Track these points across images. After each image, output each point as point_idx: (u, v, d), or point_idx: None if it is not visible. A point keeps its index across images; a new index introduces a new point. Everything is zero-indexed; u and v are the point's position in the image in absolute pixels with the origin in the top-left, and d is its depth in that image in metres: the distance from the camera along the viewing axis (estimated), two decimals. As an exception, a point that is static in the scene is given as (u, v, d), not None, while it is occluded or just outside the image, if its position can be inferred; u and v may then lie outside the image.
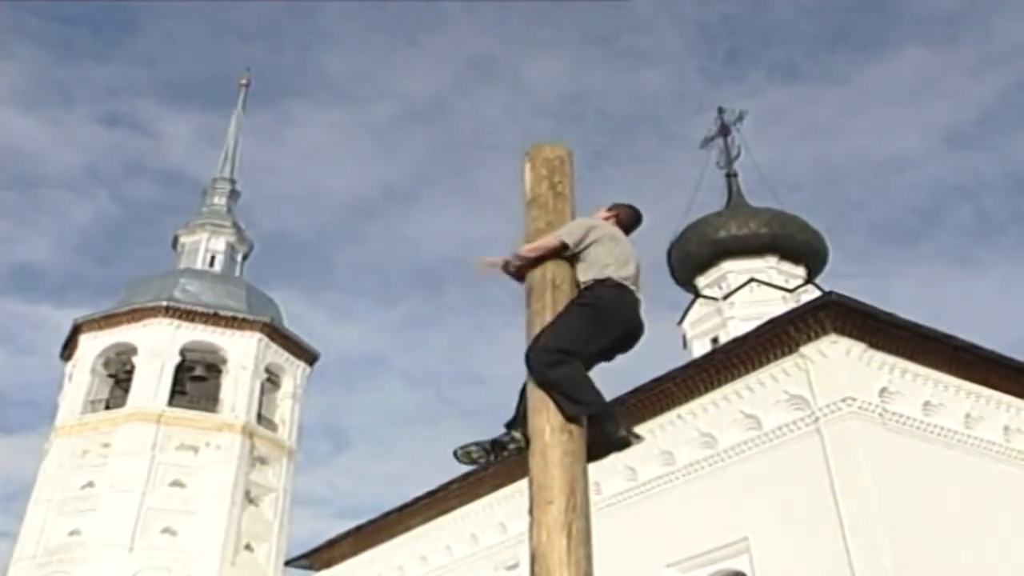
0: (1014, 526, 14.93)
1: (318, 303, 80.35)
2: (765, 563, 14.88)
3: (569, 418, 3.02)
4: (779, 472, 15.09)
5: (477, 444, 3.36)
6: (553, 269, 3.48)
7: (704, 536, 15.71)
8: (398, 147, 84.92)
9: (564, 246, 3.48)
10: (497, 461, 3.39)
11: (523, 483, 2.99)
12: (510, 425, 3.36)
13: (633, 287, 3.58)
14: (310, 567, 25.76)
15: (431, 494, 21.67)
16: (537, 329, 3.31)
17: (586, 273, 3.50)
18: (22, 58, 76.28)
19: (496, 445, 3.31)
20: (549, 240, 3.50)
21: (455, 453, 3.40)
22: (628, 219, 3.95)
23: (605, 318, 3.35)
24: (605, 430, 3.12)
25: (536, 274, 3.48)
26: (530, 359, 3.20)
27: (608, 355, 3.49)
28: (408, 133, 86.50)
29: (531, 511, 2.93)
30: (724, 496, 15.69)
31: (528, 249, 3.51)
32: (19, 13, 72.02)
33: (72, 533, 27.38)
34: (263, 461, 30.70)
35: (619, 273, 3.51)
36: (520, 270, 3.53)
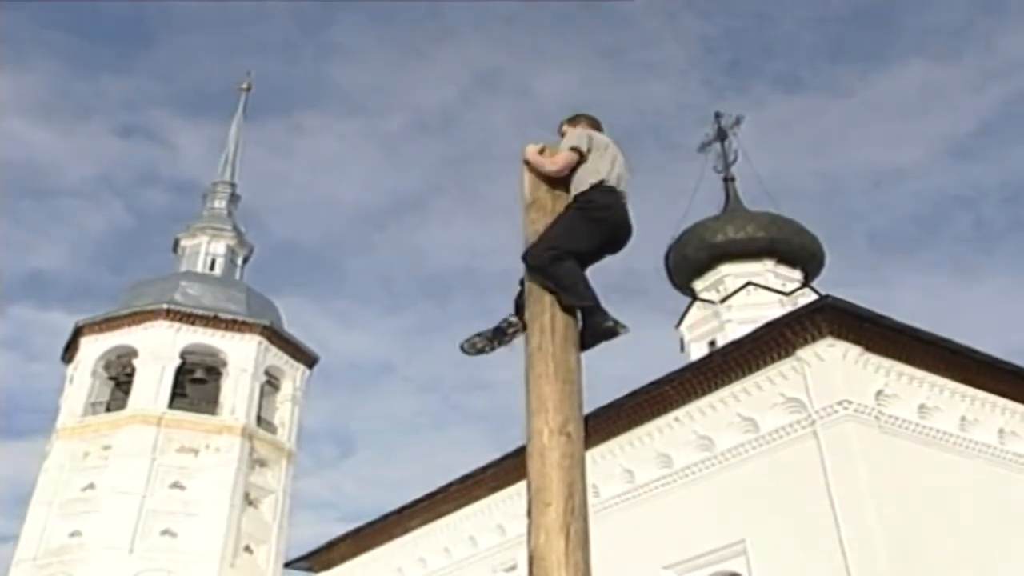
0: (1009, 527, 15.04)
1: (327, 310, 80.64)
2: (762, 565, 14.97)
3: (565, 308, 3.27)
4: (776, 474, 15.18)
5: (479, 334, 3.68)
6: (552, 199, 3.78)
7: (702, 538, 15.80)
8: (407, 158, 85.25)
9: (580, 154, 3.77)
10: (499, 347, 3.61)
11: (521, 485, 3.10)
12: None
13: (622, 190, 3.83)
14: (309, 569, 25.79)
15: (430, 496, 21.74)
16: (532, 236, 3.59)
17: (581, 182, 3.74)
18: (40, 70, 76.44)
19: (497, 332, 3.65)
20: (568, 155, 3.78)
21: (461, 347, 3.70)
22: (593, 126, 4.16)
23: (598, 218, 3.63)
24: (595, 321, 3.35)
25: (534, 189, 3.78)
26: (529, 257, 3.45)
27: (599, 255, 3.74)
28: (417, 144, 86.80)
29: (529, 513, 3.00)
30: (721, 498, 15.78)
31: (556, 168, 3.76)
32: (37, 25, 72.18)
33: (73, 535, 27.43)
34: (263, 463, 30.76)
35: (610, 177, 3.76)
36: (552, 184, 3.78)
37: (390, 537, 22.99)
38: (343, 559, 24.46)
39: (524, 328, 3.42)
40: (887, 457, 14.53)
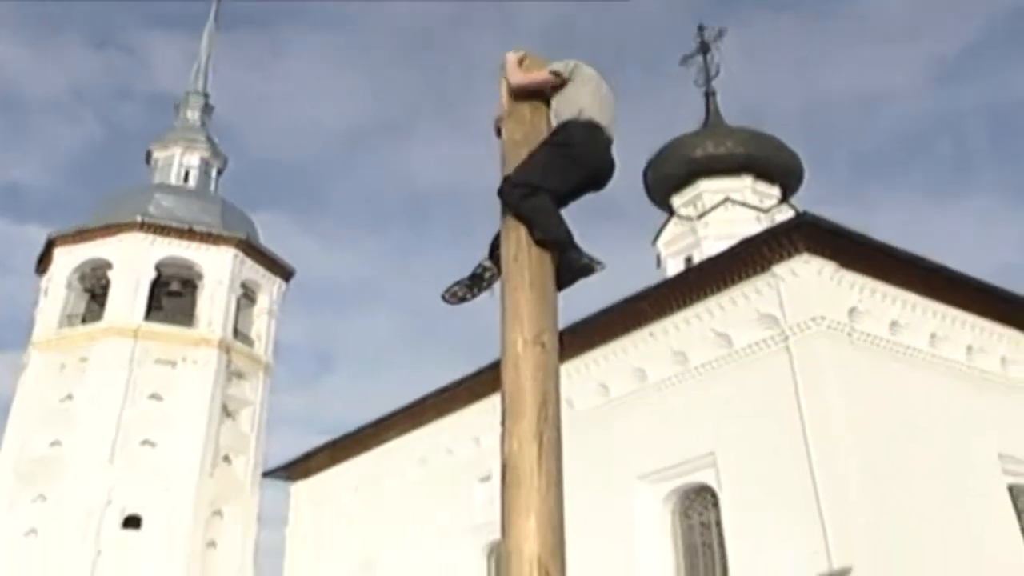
0: (975, 440, 15.44)
1: (306, 228, 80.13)
2: (731, 476, 15.33)
3: (539, 242, 3.20)
4: (748, 389, 15.44)
5: (458, 283, 3.59)
6: (531, 111, 3.61)
7: (673, 450, 16.13)
8: (390, 78, 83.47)
9: (559, 77, 3.61)
10: (480, 293, 3.55)
11: (497, 398, 3.10)
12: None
13: (606, 127, 3.66)
14: (287, 478, 26.22)
15: (406, 408, 21.99)
16: (510, 149, 3.48)
17: (561, 114, 3.59)
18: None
19: (475, 279, 3.53)
20: (543, 74, 3.62)
21: (443, 297, 3.61)
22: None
23: (576, 155, 3.47)
24: (569, 258, 3.28)
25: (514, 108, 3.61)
26: (503, 192, 3.35)
27: (579, 193, 3.61)
28: (400, 65, 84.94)
29: (503, 422, 3.01)
30: (693, 412, 16.06)
31: (520, 82, 3.61)
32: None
33: (53, 444, 27.63)
34: (240, 375, 30.91)
35: (593, 114, 3.59)
36: (515, 97, 3.63)
37: (367, 448, 23.32)
38: (320, 469, 24.84)
39: (499, 272, 3.31)
40: (858, 372, 14.79)
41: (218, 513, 28.72)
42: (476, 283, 3.54)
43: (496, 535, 2.73)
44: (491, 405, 19.05)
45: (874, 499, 13.78)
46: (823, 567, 13.56)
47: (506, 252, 3.30)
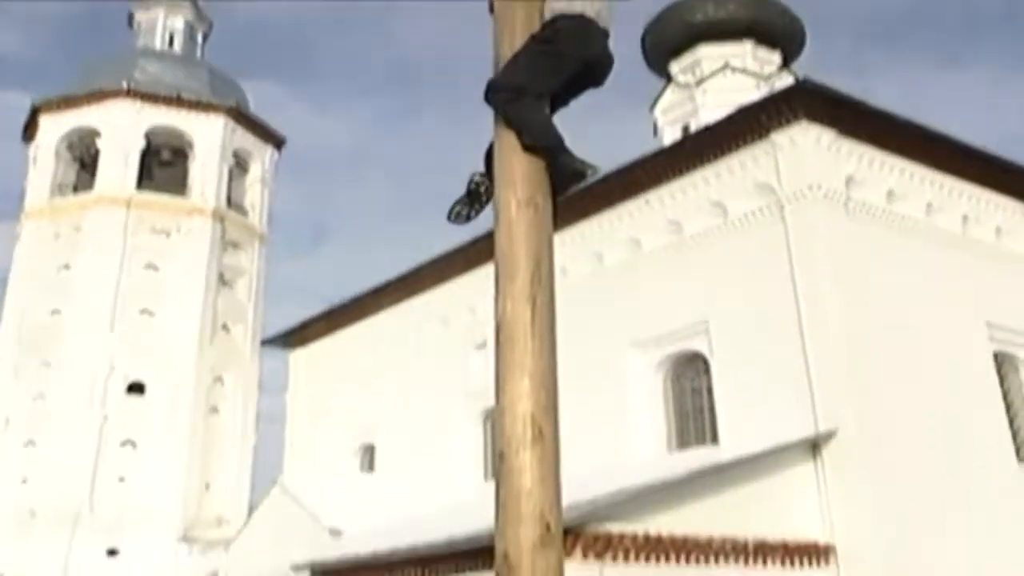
0: (964, 309, 15.62)
1: (298, 95, 78.59)
2: (723, 344, 15.57)
3: (527, 147, 3.07)
4: (742, 259, 15.48)
5: (458, 202, 3.47)
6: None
7: (667, 318, 16.31)
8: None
9: None
10: (482, 209, 3.47)
11: (492, 268, 3.06)
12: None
13: (601, 20, 3.42)
14: (286, 346, 26.62)
15: (402, 277, 22.12)
16: (504, 54, 3.27)
17: (552, 9, 3.35)
18: None
19: (472, 196, 3.43)
20: None
21: (448, 218, 3.53)
22: None
23: (564, 51, 3.26)
24: (561, 164, 3.15)
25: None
26: (487, 98, 3.19)
27: (575, 92, 3.44)
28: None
29: (497, 284, 2.99)
30: (687, 281, 16.15)
31: None
32: None
33: (53, 313, 27.89)
34: (235, 245, 30.94)
35: (584, 7, 3.35)
36: None
37: (363, 317, 23.58)
38: (318, 337, 25.18)
39: (493, 183, 3.16)
40: (852, 242, 14.81)
41: (219, 380, 29.28)
42: (476, 199, 3.43)
43: (491, 401, 2.74)
44: (486, 274, 19.00)
45: (862, 365, 14.04)
46: (809, 431, 13.93)
47: (498, 158, 3.17)
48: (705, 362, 16.17)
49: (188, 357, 28.01)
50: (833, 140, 15.23)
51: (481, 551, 10.40)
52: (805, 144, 15.04)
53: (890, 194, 15.86)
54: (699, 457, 14.82)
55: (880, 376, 14.02)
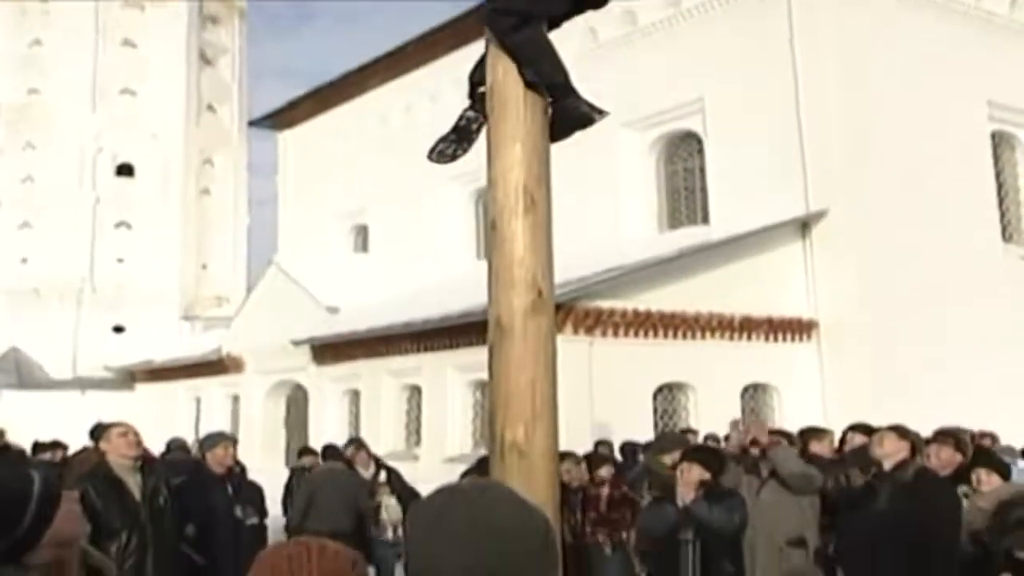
0: (966, 86, 15.21)
1: None
2: (718, 123, 15.34)
3: (530, 85, 2.73)
4: (741, 35, 14.95)
5: (443, 139, 3.08)
6: None
7: (661, 96, 15.97)
8: None
9: None
10: (470, 147, 3.09)
11: (482, 44, 2.89)
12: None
13: None
14: (273, 128, 26.22)
15: (390, 55, 21.44)
16: None
17: None
18: None
19: (462, 132, 3.04)
20: None
21: (429, 158, 3.14)
22: None
23: None
24: (566, 105, 2.84)
25: None
26: (489, 20, 2.84)
27: (573, 14, 3.07)
28: None
29: (487, 50, 2.87)
30: (683, 58, 15.68)
31: None
32: None
33: (31, 92, 27.16)
34: (214, 20, 29.74)
35: None
36: None
37: (351, 97, 23.05)
38: (306, 118, 24.75)
39: (486, 119, 2.80)
40: (855, 15, 14.25)
41: (208, 162, 29.06)
42: (465, 136, 3.03)
43: (483, 181, 2.63)
44: (477, 50, 18.38)
45: (857, 145, 13.92)
46: (800, 211, 14.03)
47: (491, 95, 2.83)
48: (699, 141, 16.01)
49: (175, 137, 27.64)
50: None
51: (474, 325, 10.69)
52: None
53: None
54: (689, 236, 15.01)
55: (875, 156, 13.94)
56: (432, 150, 3.12)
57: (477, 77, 2.96)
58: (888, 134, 14.13)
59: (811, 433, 6.68)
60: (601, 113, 2.91)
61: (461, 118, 3.06)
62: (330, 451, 8.88)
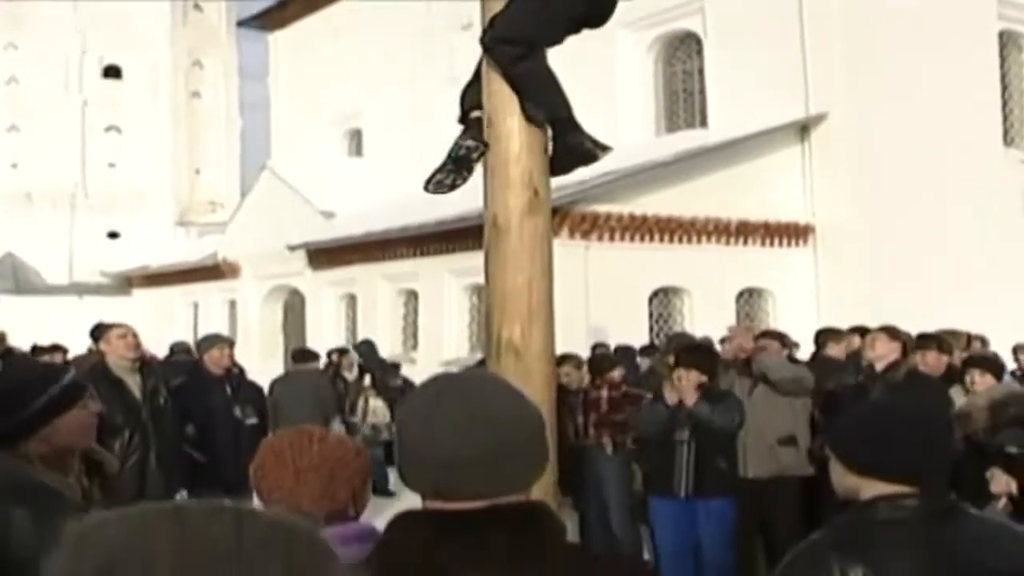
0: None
1: None
2: (718, 23, 14.97)
3: (529, 118, 2.66)
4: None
5: (441, 171, 2.90)
6: None
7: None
8: None
9: None
10: (469, 176, 2.90)
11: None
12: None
13: None
14: (264, 28, 25.60)
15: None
16: None
17: None
18: None
19: (460, 162, 2.85)
20: None
21: (427, 189, 2.97)
22: None
23: None
24: (569, 141, 2.77)
25: None
26: (489, 48, 2.71)
27: (576, 30, 2.99)
28: None
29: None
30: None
31: None
32: None
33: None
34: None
35: None
36: None
37: (344, -6, 22.44)
38: (297, 18, 24.15)
39: (487, 147, 2.66)
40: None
41: (198, 64, 28.50)
42: (464, 165, 2.85)
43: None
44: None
45: (859, 47, 13.64)
46: (800, 113, 13.83)
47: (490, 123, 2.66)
48: (698, 42, 15.67)
49: (162, 38, 27.03)
50: None
51: (470, 229, 10.64)
52: None
53: None
54: (687, 140, 14.83)
55: (877, 57, 13.65)
56: (429, 180, 2.96)
57: (468, 104, 2.84)
58: (892, 34, 13.80)
59: (828, 334, 6.76)
60: (604, 149, 2.87)
61: (459, 147, 2.88)
62: (298, 355, 8.92)
